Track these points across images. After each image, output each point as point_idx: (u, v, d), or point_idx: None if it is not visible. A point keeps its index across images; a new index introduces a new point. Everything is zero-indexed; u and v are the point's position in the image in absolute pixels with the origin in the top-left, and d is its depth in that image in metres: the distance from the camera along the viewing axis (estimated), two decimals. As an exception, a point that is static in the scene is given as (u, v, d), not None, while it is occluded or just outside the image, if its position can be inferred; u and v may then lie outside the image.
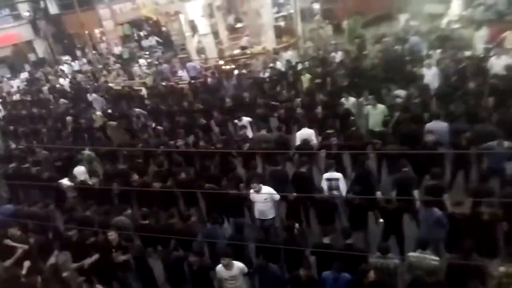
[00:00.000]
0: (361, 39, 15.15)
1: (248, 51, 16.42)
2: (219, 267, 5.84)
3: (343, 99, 10.13)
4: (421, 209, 6.24)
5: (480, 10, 14.70)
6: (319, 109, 9.76)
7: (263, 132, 9.76)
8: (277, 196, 7.14)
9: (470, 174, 7.64)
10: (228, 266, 5.75)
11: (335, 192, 7.15)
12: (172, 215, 7.24)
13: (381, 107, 9.27)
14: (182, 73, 15.82)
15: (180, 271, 6.47)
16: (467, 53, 11.48)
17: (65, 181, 8.98)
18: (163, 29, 23.73)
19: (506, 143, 7.14)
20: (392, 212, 6.42)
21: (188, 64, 16.47)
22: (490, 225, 5.80)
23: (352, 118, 9.26)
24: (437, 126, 8.02)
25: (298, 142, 8.85)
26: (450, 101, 9.18)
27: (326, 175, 7.35)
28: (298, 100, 10.78)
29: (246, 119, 10.26)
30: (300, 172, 7.68)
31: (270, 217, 7.24)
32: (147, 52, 22.29)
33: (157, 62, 18.82)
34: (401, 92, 9.96)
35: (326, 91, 11.31)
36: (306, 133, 8.82)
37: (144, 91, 15.10)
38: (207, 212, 7.74)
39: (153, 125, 11.70)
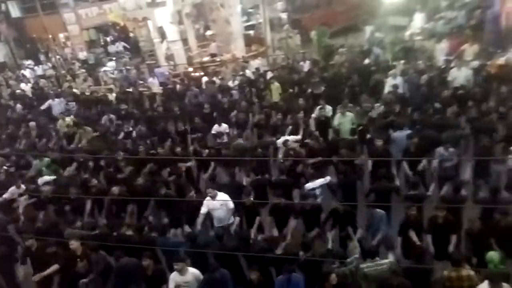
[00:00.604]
0: (328, 49, 15.48)
1: (217, 59, 16.42)
2: (173, 274, 5.79)
3: (319, 107, 10.24)
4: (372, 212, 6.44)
5: (440, 23, 15.38)
6: (301, 115, 9.86)
7: (240, 140, 9.79)
8: (231, 204, 7.15)
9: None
10: (182, 271, 5.68)
11: (317, 201, 7.21)
12: (126, 224, 7.15)
13: (349, 115, 9.47)
14: (151, 79, 15.57)
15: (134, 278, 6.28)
16: (429, 64, 11.93)
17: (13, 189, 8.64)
18: (131, 35, 23.35)
19: (451, 149, 7.49)
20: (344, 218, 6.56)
21: (157, 70, 16.28)
22: (444, 228, 6.00)
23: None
24: (402, 136, 8.28)
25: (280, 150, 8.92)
26: (414, 110, 9.50)
27: (309, 185, 7.41)
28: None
29: (224, 126, 10.24)
30: (281, 180, 7.70)
31: (226, 223, 7.24)
32: (113, 58, 21.84)
33: (124, 68, 18.46)
34: (368, 101, 10.24)
35: (304, 98, 11.45)
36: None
37: (111, 97, 14.73)
38: (170, 220, 7.64)
39: (129, 128, 11.37)
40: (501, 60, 11.10)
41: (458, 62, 11.07)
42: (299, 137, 9.05)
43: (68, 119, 12.51)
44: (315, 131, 9.43)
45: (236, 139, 9.97)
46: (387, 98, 10.27)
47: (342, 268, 5.55)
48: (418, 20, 15.85)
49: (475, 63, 11.15)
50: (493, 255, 5.35)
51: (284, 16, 20.53)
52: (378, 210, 6.44)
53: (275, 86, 12.21)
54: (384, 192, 7.06)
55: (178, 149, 9.39)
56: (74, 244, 6.41)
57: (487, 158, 7.28)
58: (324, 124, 9.79)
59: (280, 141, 8.90)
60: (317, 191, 7.28)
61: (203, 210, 7.22)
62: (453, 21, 15.17)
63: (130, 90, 14.81)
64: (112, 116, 12.24)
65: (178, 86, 14.27)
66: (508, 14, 13.10)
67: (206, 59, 16.91)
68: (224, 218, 7.21)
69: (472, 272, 5.15)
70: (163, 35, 17.15)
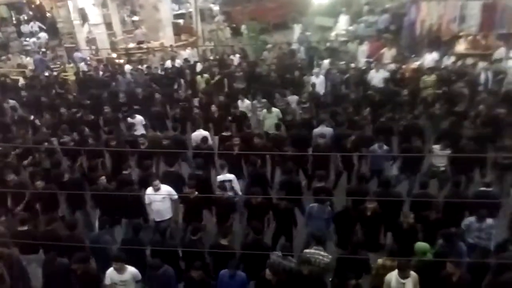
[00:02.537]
0: (258, 45, 15.61)
1: (144, 46, 15.80)
2: (110, 271, 5.53)
3: (239, 101, 10.30)
4: (314, 207, 6.57)
5: (362, 26, 16.23)
6: (213, 109, 9.77)
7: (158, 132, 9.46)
8: (175, 196, 6.99)
9: (352, 176, 8.30)
10: (120, 270, 5.46)
11: (229, 193, 7.18)
12: (54, 219, 6.61)
13: (275, 111, 9.62)
14: (68, 64, 14.53)
15: (64, 278, 5.87)
16: (352, 65, 12.55)
17: None
18: (48, 15, 21.56)
19: (385, 147, 7.95)
20: (284, 212, 6.67)
21: (75, 54, 15.21)
22: (373, 220, 6.33)
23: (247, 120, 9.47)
24: (323, 131, 8.59)
25: (193, 143, 8.77)
26: (335, 108, 9.92)
27: (219, 177, 7.38)
28: (196, 100, 10.69)
29: (139, 118, 9.83)
30: (196, 174, 7.57)
31: (167, 217, 7.04)
32: (27, 39, 20.01)
33: (39, 50, 17.00)
34: (293, 98, 10.49)
35: (224, 92, 11.38)
36: (201, 135, 8.70)
37: (22, 81, 13.50)
38: (101, 215, 7.18)
39: (32, 118, 10.48)
40: (415, 65, 12.01)
41: (377, 65, 11.76)
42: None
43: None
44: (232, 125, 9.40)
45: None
46: (310, 96, 10.60)
47: (280, 261, 5.57)
48: (343, 22, 16.57)
49: (392, 66, 11.95)
50: (423, 246, 5.63)
51: (215, 7, 20.32)
52: (317, 204, 6.54)
53: (204, 78, 12.04)
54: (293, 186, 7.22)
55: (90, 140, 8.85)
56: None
57: (415, 156, 7.77)
58: (240, 118, 9.72)
59: (196, 134, 8.78)
60: (227, 184, 7.24)
61: (146, 202, 6.99)
62: (374, 25, 16.08)
63: (47, 74, 13.70)
64: (13, 102, 11.20)
65: (100, 72, 13.48)
66: (422, 22, 14.19)
67: (132, 45, 16.19)
68: (164, 211, 6.97)
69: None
70: (84, 18, 16.09)
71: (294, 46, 15.56)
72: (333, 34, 16.04)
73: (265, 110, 9.67)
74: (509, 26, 13.34)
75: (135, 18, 18.33)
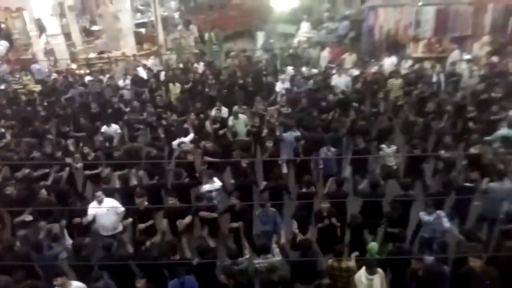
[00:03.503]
0: (223, 52, 15.67)
1: (105, 56, 15.47)
2: None
3: (215, 109, 10.26)
4: (260, 211, 6.69)
5: (323, 33, 16.62)
6: (191, 117, 9.77)
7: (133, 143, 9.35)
8: (121, 209, 6.83)
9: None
10: (63, 286, 5.24)
11: (214, 202, 7.16)
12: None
13: (242, 117, 9.69)
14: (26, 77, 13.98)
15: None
16: (315, 71, 12.80)
17: None
18: (2, 26, 20.73)
19: (333, 149, 8.19)
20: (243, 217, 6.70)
21: (33, 66, 14.68)
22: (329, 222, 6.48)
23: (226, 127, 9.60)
24: (291, 136, 8.72)
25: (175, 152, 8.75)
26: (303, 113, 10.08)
27: (206, 187, 7.33)
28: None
29: (114, 127, 9.64)
30: (179, 183, 7.49)
31: (114, 232, 6.89)
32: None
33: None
34: (260, 104, 10.58)
35: (200, 99, 11.34)
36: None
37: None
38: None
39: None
40: (374, 69, 12.41)
41: (339, 70, 12.07)
42: (188, 138, 8.89)
43: None
44: (212, 132, 9.43)
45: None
46: (278, 101, 10.74)
47: (233, 267, 5.64)
48: (305, 29, 16.90)
49: (353, 71, 12.29)
50: (373, 245, 5.92)
51: (177, 16, 20.21)
52: (271, 208, 6.64)
53: (176, 86, 11.93)
54: (276, 191, 7.35)
55: (59, 153, 8.62)
56: None
57: (364, 156, 8.09)
58: (220, 125, 9.82)
59: (175, 143, 8.71)
60: (214, 194, 7.24)
61: (89, 217, 6.73)
62: (334, 32, 16.51)
63: (2, 87, 13.16)
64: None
65: (59, 84, 13.06)
66: (380, 28, 14.70)
67: (92, 55, 15.82)
68: (110, 225, 6.80)
69: (351, 264, 5.67)
70: (41, 28, 15.58)
71: (258, 53, 15.76)
72: (295, 40, 16.32)
73: (232, 117, 9.71)
74: (461, 29, 14.05)
75: (95, 27, 17.91)
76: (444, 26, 14.19)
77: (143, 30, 18.30)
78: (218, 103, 10.40)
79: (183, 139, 8.73)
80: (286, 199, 7.54)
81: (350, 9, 17.61)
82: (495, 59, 12.37)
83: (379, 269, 5.39)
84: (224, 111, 10.23)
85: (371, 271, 5.32)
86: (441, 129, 9.13)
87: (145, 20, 19.28)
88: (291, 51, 14.94)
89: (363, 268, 5.41)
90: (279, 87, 11.42)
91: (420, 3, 14.13)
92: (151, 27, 17.86)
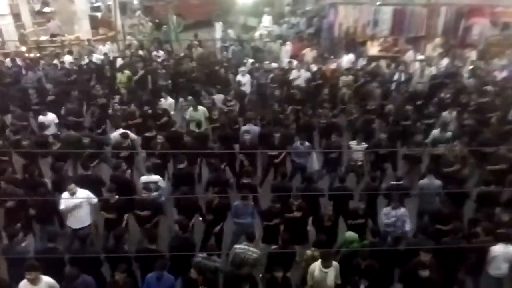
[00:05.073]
0: (186, 42, 15.34)
1: (58, 39, 14.74)
2: (23, 283, 5.09)
3: (162, 99, 10.06)
4: (238, 204, 6.64)
5: (285, 27, 16.71)
6: (133, 108, 9.48)
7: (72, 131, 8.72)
8: (94, 200, 6.63)
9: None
10: (34, 281, 5.04)
11: (154, 194, 6.99)
12: None
13: (202, 109, 9.56)
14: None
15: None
16: (275, 65, 12.85)
17: None
18: None
19: (306, 144, 8.27)
20: (215, 210, 6.66)
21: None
22: (299, 216, 6.54)
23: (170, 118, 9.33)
24: (250, 129, 8.73)
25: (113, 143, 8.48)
26: (261, 106, 10.12)
27: (143, 178, 7.16)
28: (116, 97, 10.24)
29: (51, 116, 9.19)
30: (117, 175, 7.26)
31: (87, 224, 6.64)
32: None
33: None
34: (219, 96, 10.50)
35: (148, 90, 11.05)
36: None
37: None
38: (5, 226, 6.57)
39: None
40: (333, 65, 12.64)
41: (299, 65, 12.18)
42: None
43: None
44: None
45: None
46: (237, 94, 10.69)
47: (205, 262, 5.58)
48: (267, 22, 16.90)
49: (313, 66, 12.46)
50: (351, 235, 6.05)
51: (136, 1, 19.59)
52: (245, 202, 6.59)
53: (125, 74, 11.54)
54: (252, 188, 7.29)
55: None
56: None
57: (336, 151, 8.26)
58: (162, 116, 9.50)
59: (115, 134, 8.43)
60: (152, 186, 7.05)
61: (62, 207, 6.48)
62: (295, 27, 16.63)
63: None
64: None
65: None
66: (340, 25, 14.97)
67: (44, 38, 15.02)
68: (83, 218, 6.56)
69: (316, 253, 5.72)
70: (-13, 7, 14.57)
71: (219, 44, 15.60)
72: (257, 33, 16.30)
73: (191, 109, 9.57)
74: (416, 30, 14.58)
75: (47, 9, 17.00)
76: (400, 26, 14.67)
77: (99, 14, 17.60)
78: (164, 93, 10.16)
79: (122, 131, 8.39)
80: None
81: (311, 5, 17.80)
82: (445, 60, 12.96)
83: (334, 262, 5.47)
84: (170, 101, 10.02)
85: (326, 264, 5.35)
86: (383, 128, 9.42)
87: (101, 4, 18.53)
88: (252, 44, 14.88)
89: (319, 260, 5.47)
90: (239, 79, 11.36)
91: (378, 3, 14.52)
92: (108, 12, 17.19)
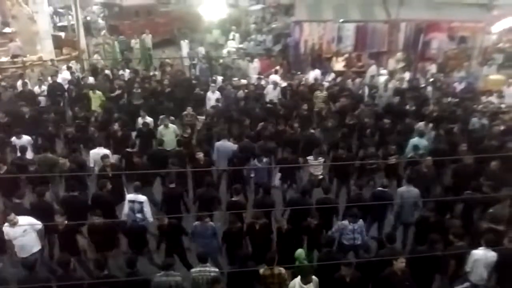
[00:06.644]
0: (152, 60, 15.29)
1: (19, 60, 14.30)
2: None
3: (140, 119, 9.93)
4: (197, 225, 6.59)
5: (251, 44, 16.95)
6: (116, 127, 9.33)
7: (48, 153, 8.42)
8: (39, 226, 6.36)
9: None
10: None
11: (138, 215, 6.84)
12: None
13: (172, 127, 9.50)
14: None
15: None
16: (244, 81, 12.96)
17: None
18: None
19: (264, 160, 8.34)
20: (171, 231, 6.57)
21: None
22: (262, 234, 6.54)
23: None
24: (224, 146, 8.73)
25: (92, 163, 8.31)
26: (235, 122, 10.14)
27: (129, 197, 7.01)
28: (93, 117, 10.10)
29: (26, 138, 8.87)
30: (98, 194, 7.09)
31: (35, 251, 6.35)
32: None
33: None
34: (192, 113, 10.48)
35: (125, 109, 10.85)
36: (99, 153, 8.16)
37: None
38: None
39: None
40: (301, 81, 12.87)
41: (269, 81, 12.35)
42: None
43: None
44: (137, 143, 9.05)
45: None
46: (209, 111, 10.71)
47: (164, 278, 5.49)
48: (234, 40, 17.09)
49: (282, 83, 12.66)
50: (300, 252, 6.02)
51: (101, 20, 19.36)
52: (210, 222, 6.56)
53: (97, 94, 11.32)
54: (207, 200, 7.29)
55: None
56: None
57: (292, 166, 8.33)
58: (147, 135, 9.53)
59: (95, 156, 8.24)
60: (136, 205, 6.89)
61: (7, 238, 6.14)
62: (262, 44, 16.91)
63: None
64: None
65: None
66: (306, 42, 15.32)
67: (4, 59, 14.54)
68: (28, 245, 6.26)
69: (282, 270, 5.73)
70: None
71: (186, 63, 15.62)
72: (225, 51, 16.45)
73: (162, 127, 9.48)
74: (378, 46, 15.14)
75: (7, 29, 16.51)
76: (363, 42, 15.21)
77: (62, 34, 17.27)
78: (142, 112, 10.07)
79: (105, 151, 8.26)
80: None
81: (277, 23, 18.19)
82: (407, 74, 13.49)
83: (314, 277, 5.48)
84: (150, 120, 9.92)
85: (305, 280, 5.37)
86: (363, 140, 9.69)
87: (65, 23, 18.20)
88: (221, 61, 14.99)
89: (298, 277, 5.47)
90: (209, 97, 11.38)
91: (341, 20, 15.00)
92: (72, 31, 16.89)
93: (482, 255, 5.89)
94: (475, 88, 12.99)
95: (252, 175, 8.63)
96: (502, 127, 9.82)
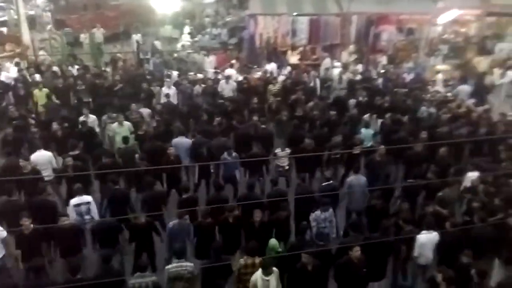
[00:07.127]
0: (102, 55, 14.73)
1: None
2: None
3: (83, 117, 9.54)
4: (175, 223, 6.47)
5: (206, 38, 16.76)
6: (55, 127, 8.87)
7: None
8: (3, 234, 6.03)
9: (210, 183, 8.41)
10: None
11: (86, 217, 6.60)
12: None
13: (127, 124, 9.20)
14: None
15: None
16: (200, 76, 12.79)
17: None
18: None
19: (234, 154, 8.30)
20: (142, 230, 6.44)
21: None
22: (235, 227, 6.57)
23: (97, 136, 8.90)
24: (181, 142, 8.59)
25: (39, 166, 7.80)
26: (190, 118, 9.99)
27: (74, 201, 6.70)
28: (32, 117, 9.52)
29: None
30: (40, 200, 6.73)
31: None
32: None
33: None
34: (145, 110, 10.18)
35: (68, 107, 10.38)
36: (42, 155, 7.83)
37: None
38: None
39: None
40: (257, 75, 12.90)
41: (224, 75, 12.26)
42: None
43: None
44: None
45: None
46: (159, 107, 10.44)
47: (140, 280, 5.39)
48: (188, 34, 16.80)
49: (238, 76, 12.61)
50: (274, 243, 6.09)
51: (46, 14, 18.40)
52: (177, 220, 6.43)
53: (43, 92, 10.75)
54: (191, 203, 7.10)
55: None
56: None
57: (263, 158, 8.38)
58: (87, 135, 9.09)
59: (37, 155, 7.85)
60: (83, 208, 6.66)
61: None
62: (217, 37, 16.76)
63: None
64: None
65: None
66: (261, 35, 15.34)
67: None
68: None
69: (258, 260, 5.73)
70: None
71: (142, 57, 15.20)
72: (179, 45, 16.15)
73: (116, 124, 9.16)
74: (331, 38, 15.43)
75: None
76: (316, 35, 15.45)
77: (4, 29, 16.28)
78: (85, 110, 9.67)
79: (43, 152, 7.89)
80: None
81: (231, 16, 18.07)
82: (360, 66, 13.85)
83: (274, 269, 5.53)
84: (92, 118, 9.57)
85: (266, 272, 5.42)
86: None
87: (7, 18, 17.16)
88: (176, 55, 14.70)
89: (259, 270, 5.51)
90: (165, 91, 11.12)
91: (294, 13, 15.13)
92: (15, 26, 15.95)
93: (426, 238, 6.18)
94: (423, 79, 13.54)
95: (212, 170, 8.53)
96: (448, 115, 10.30)
